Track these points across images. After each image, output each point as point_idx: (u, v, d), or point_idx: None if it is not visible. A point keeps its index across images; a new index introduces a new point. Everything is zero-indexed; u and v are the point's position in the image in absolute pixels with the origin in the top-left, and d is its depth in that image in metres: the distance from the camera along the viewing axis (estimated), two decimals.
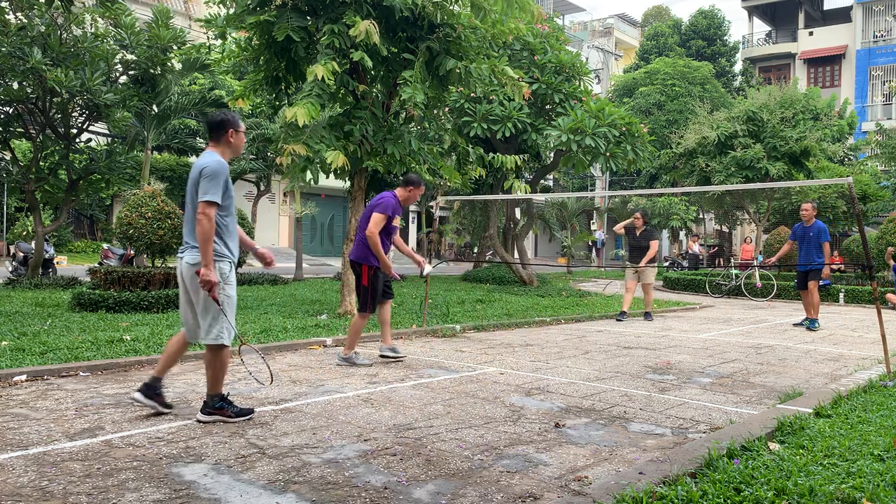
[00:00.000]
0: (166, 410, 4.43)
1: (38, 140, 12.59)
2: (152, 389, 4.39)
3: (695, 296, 17.39)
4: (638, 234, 11.21)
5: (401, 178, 6.99)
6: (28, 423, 4.18)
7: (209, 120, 4.40)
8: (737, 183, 18.02)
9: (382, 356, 6.60)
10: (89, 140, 14.04)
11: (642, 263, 10.97)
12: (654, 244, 11.05)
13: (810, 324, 10.46)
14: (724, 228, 34.56)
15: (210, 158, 4.24)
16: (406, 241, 37.96)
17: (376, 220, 6.15)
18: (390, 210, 6.23)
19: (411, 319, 9.28)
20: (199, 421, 4.24)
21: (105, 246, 14.93)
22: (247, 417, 4.34)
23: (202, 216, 4.10)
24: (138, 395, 4.36)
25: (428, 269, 7.21)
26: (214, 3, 9.30)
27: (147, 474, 3.36)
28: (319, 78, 7.88)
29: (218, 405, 4.29)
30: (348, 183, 11.41)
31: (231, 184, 4.31)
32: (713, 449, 3.50)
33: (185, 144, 21.94)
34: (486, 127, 13.81)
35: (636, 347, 8.10)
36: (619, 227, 11.64)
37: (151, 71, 13.18)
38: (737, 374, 6.47)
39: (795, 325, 10.84)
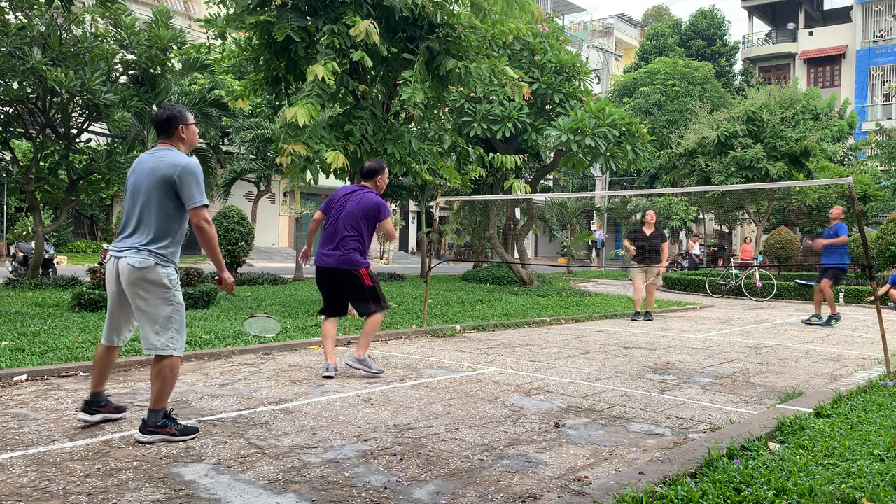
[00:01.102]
0: (118, 416, 4.22)
1: (38, 140, 12.60)
2: (95, 405, 4.14)
3: (695, 296, 17.39)
4: (648, 233, 10.91)
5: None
6: (28, 423, 4.18)
7: (156, 117, 4.10)
8: (737, 183, 18.03)
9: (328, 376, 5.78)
10: (89, 140, 14.04)
11: (664, 264, 10.80)
12: (665, 246, 10.89)
13: (827, 321, 10.95)
14: (724, 228, 34.56)
15: (181, 157, 3.92)
16: (406, 241, 37.99)
17: (391, 223, 5.91)
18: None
19: (411, 319, 9.28)
20: (139, 442, 3.83)
21: (105, 246, 14.94)
22: (192, 437, 3.91)
23: (203, 223, 3.89)
24: (83, 416, 4.10)
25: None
26: (214, 3, 9.31)
27: (147, 474, 3.36)
28: (319, 78, 7.88)
29: (161, 423, 3.87)
30: (348, 183, 11.42)
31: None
32: (713, 449, 3.51)
33: None
34: (486, 127, 13.81)
35: (636, 347, 8.10)
36: (628, 243, 11.21)
37: (151, 71, 13.18)
38: (737, 374, 6.47)
39: (823, 325, 10.89)
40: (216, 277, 4.18)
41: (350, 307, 6.02)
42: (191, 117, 4.14)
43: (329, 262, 5.71)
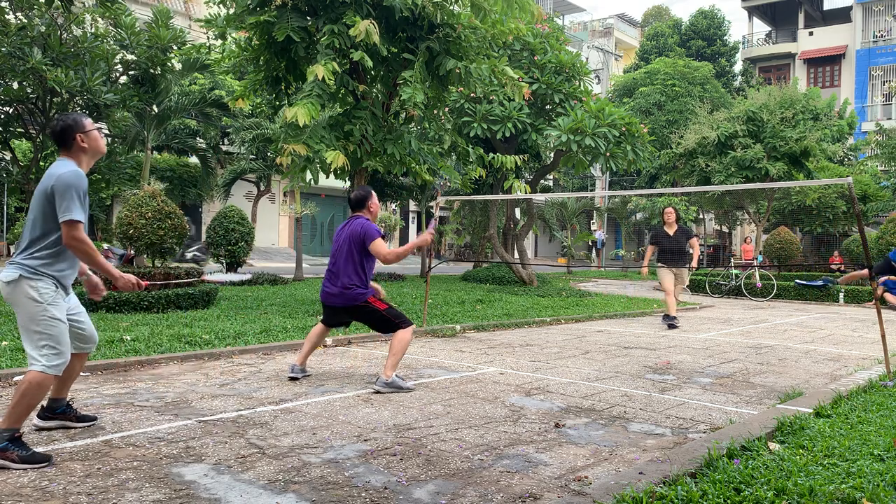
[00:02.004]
0: (81, 425, 4.09)
1: (38, 140, 12.60)
2: (49, 411, 4.04)
3: (695, 296, 17.39)
4: (672, 233, 10.13)
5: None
6: (28, 423, 4.18)
7: (51, 131, 3.76)
8: (737, 183, 18.03)
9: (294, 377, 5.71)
10: None
11: (694, 263, 10.07)
12: (695, 242, 10.15)
13: None
14: (724, 228, 34.57)
15: (65, 168, 3.59)
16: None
17: (381, 245, 5.46)
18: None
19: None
20: None
21: (105, 246, 14.94)
22: (39, 466, 3.41)
23: (73, 241, 3.53)
24: (36, 421, 4.02)
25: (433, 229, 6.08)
26: (214, 3, 9.31)
27: (147, 474, 3.36)
28: (319, 78, 7.88)
29: (3, 445, 3.42)
30: (348, 183, 11.43)
31: (86, 198, 3.65)
32: (713, 449, 3.51)
33: (185, 144, 21.94)
34: (486, 127, 13.82)
35: (636, 347, 8.10)
36: (650, 252, 10.54)
37: (151, 71, 13.19)
38: (737, 374, 6.47)
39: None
40: (111, 285, 3.88)
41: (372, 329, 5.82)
42: (89, 123, 3.78)
43: (335, 302, 5.55)
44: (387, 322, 5.54)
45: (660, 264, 10.26)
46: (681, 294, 10.38)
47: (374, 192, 5.79)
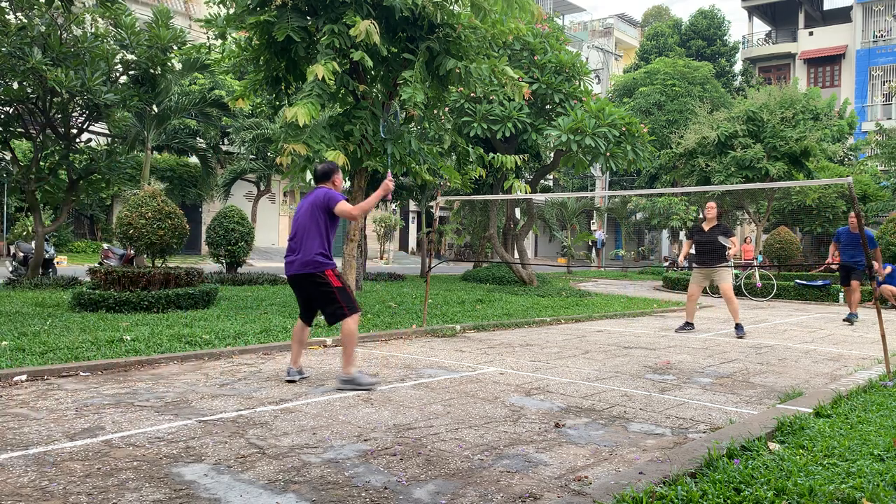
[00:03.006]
0: None
1: (38, 140, 12.60)
2: None
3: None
4: (708, 229, 9.47)
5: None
6: (28, 423, 4.18)
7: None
8: (737, 183, 18.03)
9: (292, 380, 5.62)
10: (89, 140, 14.04)
11: (733, 250, 9.24)
12: (733, 239, 9.42)
13: (850, 316, 11.23)
14: None
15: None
16: (406, 241, 37.99)
17: (345, 204, 5.36)
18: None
19: (411, 319, 9.28)
20: None
21: (105, 246, 14.94)
22: None
23: None
24: None
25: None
26: (214, 3, 9.30)
27: (147, 474, 3.36)
28: (319, 78, 7.88)
29: None
30: (348, 183, 11.42)
31: None
32: (713, 449, 3.51)
33: (185, 144, 21.95)
34: (486, 127, 13.82)
35: (636, 347, 8.10)
36: (685, 249, 10.05)
37: (151, 71, 13.18)
38: (737, 374, 6.47)
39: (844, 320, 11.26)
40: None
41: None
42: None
43: (296, 270, 5.42)
44: (334, 303, 5.37)
45: (694, 265, 9.76)
46: (730, 289, 9.47)
47: (335, 168, 5.66)
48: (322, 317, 5.66)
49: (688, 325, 9.80)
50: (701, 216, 9.97)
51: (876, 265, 10.04)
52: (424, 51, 8.77)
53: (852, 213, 10.72)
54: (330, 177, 5.58)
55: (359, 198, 9.93)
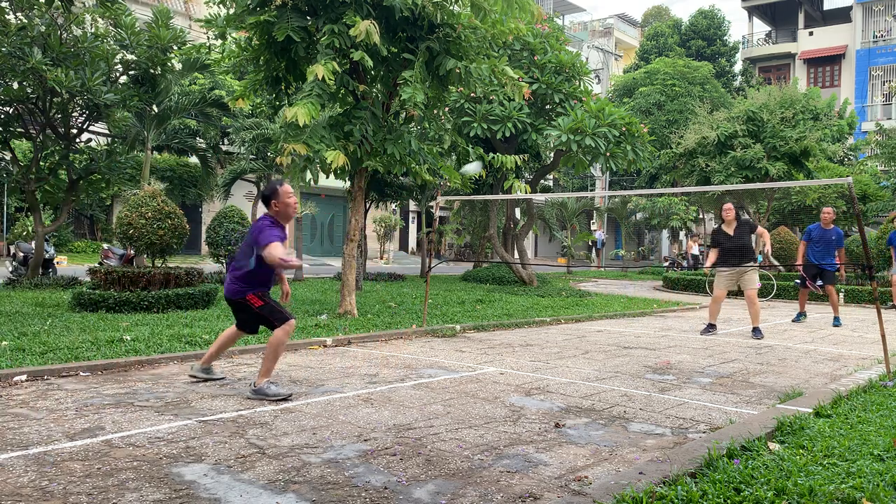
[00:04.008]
0: None
1: (38, 140, 12.60)
2: None
3: (695, 296, 17.38)
4: (732, 232, 9.12)
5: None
6: (28, 423, 4.18)
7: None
8: (737, 183, 18.02)
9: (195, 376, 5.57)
10: (89, 140, 14.04)
11: (767, 248, 8.90)
12: (763, 231, 9.12)
13: (835, 321, 11.00)
14: None
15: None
16: (406, 241, 38.00)
17: (270, 252, 4.84)
18: (274, 233, 4.99)
19: (411, 319, 9.27)
20: None
21: (105, 246, 14.94)
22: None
23: None
24: None
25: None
26: (214, 3, 9.30)
27: (147, 474, 3.36)
28: (319, 78, 7.88)
29: None
30: (348, 183, 11.42)
31: None
32: (713, 449, 3.50)
33: (185, 144, 21.92)
34: (486, 127, 13.81)
35: (636, 347, 8.10)
36: (712, 255, 9.42)
37: (151, 71, 13.18)
38: (737, 374, 6.47)
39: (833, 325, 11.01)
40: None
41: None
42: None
43: (225, 292, 5.32)
44: (265, 322, 5.22)
45: (720, 268, 9.23)
46: (755, 292, 9.15)
47: (279, 189, 5.14)
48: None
49: (711, 327, 9.48)
50: (711, 220, 9.80)
51: (768, 245, 9.68)
52: (424, 51, 8.77)
53: (826, 209, 10.35)
54: (268, 202, 5.14)
55: (358, 198, 9.93)
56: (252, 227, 5.19)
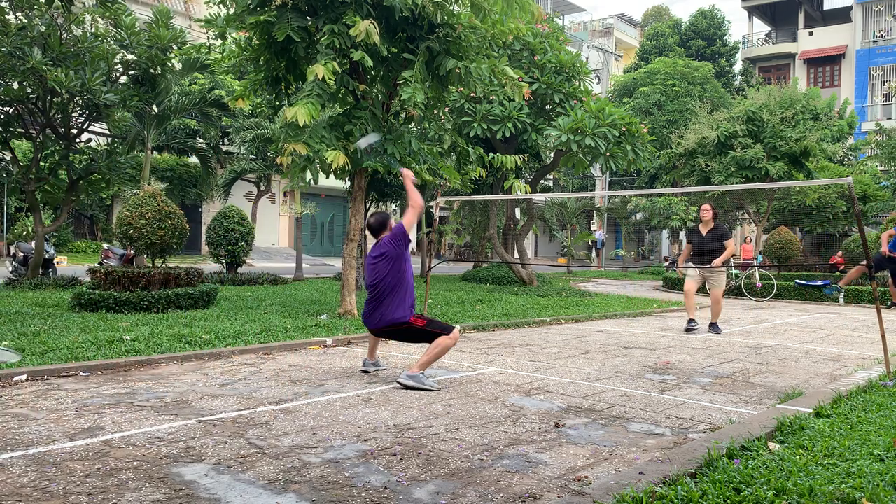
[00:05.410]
0: None
1: (38, 140, 12.60)
2: None
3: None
4: (705, 233, 9.49)
5: (399, 176, 6.70)
6: (28, 423, 4.18)
7: None
8: (737, 183, 18.02)
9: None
10: (89, 140, 14.04)
11: (718, 261, 9.21)
12: (729, 244, 9.39)
13: None
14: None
15: None
16: None
17: (405, 218, 5.73)
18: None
19: None
20: None
21: (105, 246, 14.95)
22: None
23: None
24: None
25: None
26: (214, 3, 9.30)
27: (147, 474, 3.36)
28: (319, 78, 7.88)
29: None
30: (348, 183, 11.42)
31: None
32: (713, 449, 3.51)
33: (185, 144, 21.94)
34: (486, 127, 13.81)
35: (636, 347, 8.10)
36: (685, 253, 9.91)
37: (151, 71, 13.19)
38: (737, 374, 6.47)
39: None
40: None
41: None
42: None
43: (372, 323, 5.75)
44: (428, 335, 5.66)
45: (690, 264, 9.73)
46: (719, 292, 9.58)
47: (391, 219, 5.95)
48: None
49: (692, 322, 9.75)
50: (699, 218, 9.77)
51: (718, 260, 9.34)
52: (424, 51, 8.77)
53: (704, 206, 9.66)
54: (383, 230, 5.83)
55: (358, 198, 9.93)
56: (382, 244, 5.69)
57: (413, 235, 37.69)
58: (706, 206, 9.59)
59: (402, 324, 5.57)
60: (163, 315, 8.87)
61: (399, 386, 5.43)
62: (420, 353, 6.43)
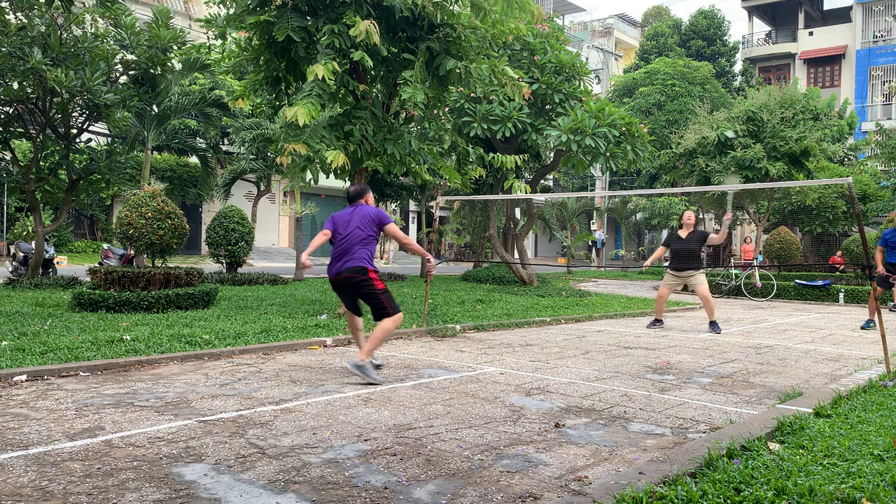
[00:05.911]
0: None
1: (38, 140, 12.59)
2: None
3: (694, 296, 17.38)
4: (685, 236, 9.81)
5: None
6: (28, 423, 4.18)
7: None
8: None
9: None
10: (89, 140, 14.04)
11: (723, 231, 9.48)
12: (713, 237, 9.68)
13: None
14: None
15: None
16: None
17: (398, 230, 6.19)
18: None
19: (411, 319, 9.28)
20: None
21: (105, 246, 14.94)
22: None
23: None
24: None
25: (434, 262, 7.07)
26: (214, 3, 9.30)
27: (147, 474, 3.36)
28: (320, 78, 7.88)
29: None
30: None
31: None
32: (713, 449, 3.50)
33: (185, 144, 21.96)
34: (486, 127, 13.81)
35: (636, 347, 8.10)
36: (656, 254, 10.30)
37: (151, 71, 13.19)
38: (737, 374, 6.47)
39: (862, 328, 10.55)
40: None
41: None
42: None
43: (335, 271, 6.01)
44: (376, 305, 5.91)
45: (669, 269, 10.05)
46: (705, 291, 9.73)
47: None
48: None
49: (657, 322, 10.15)
50: (711, 220, 9.98)
51: (721, 234, 9.70)
52: (424, 51, 8.77)
53: (687, 213, 10.06)
54: (362, 196, 6.22)
55: None
56: (365, 213, 6.03)
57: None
58: (690, 213, 10.06)
59: (363, 271, 5.81)
60: (163, 315, 8.87)
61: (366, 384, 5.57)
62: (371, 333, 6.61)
